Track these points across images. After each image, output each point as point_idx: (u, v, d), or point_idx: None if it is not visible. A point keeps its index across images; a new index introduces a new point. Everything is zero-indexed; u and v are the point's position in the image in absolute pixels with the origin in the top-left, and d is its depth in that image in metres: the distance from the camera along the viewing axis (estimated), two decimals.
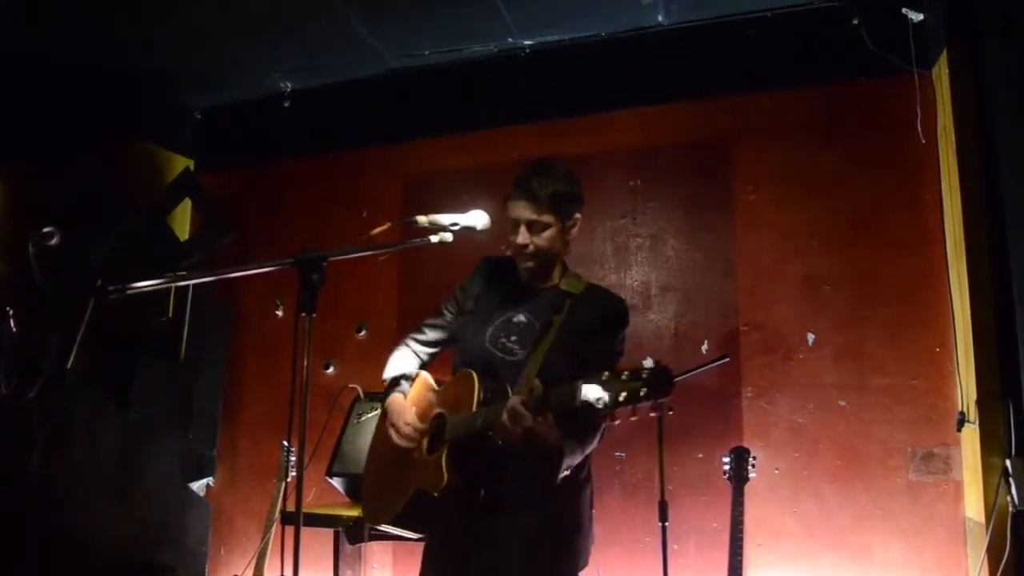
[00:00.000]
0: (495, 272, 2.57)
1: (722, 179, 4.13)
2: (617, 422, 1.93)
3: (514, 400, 2.08)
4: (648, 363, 1.85)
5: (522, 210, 2.36)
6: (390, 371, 2.61)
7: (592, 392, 1.86)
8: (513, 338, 2.39)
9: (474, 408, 2.24)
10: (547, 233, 2.38)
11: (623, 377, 1.82)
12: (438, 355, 2.66)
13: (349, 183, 4.93)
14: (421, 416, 2.46)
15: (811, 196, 3.95)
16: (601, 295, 2.48)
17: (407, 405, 2.50)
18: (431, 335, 2.63)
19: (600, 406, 1.84)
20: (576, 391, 1.91)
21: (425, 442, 2.38)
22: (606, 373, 1.85)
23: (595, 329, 2.35)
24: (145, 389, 4.35)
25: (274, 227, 5.04)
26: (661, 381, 1.80)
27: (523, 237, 2.37)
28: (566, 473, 2.19)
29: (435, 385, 2.54)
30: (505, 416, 2.07)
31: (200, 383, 4.70)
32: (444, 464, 2.21)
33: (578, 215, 2.45)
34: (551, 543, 2.30)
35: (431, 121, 4.76)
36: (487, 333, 2.42)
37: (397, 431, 2.43)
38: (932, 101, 3.72)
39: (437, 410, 2.41)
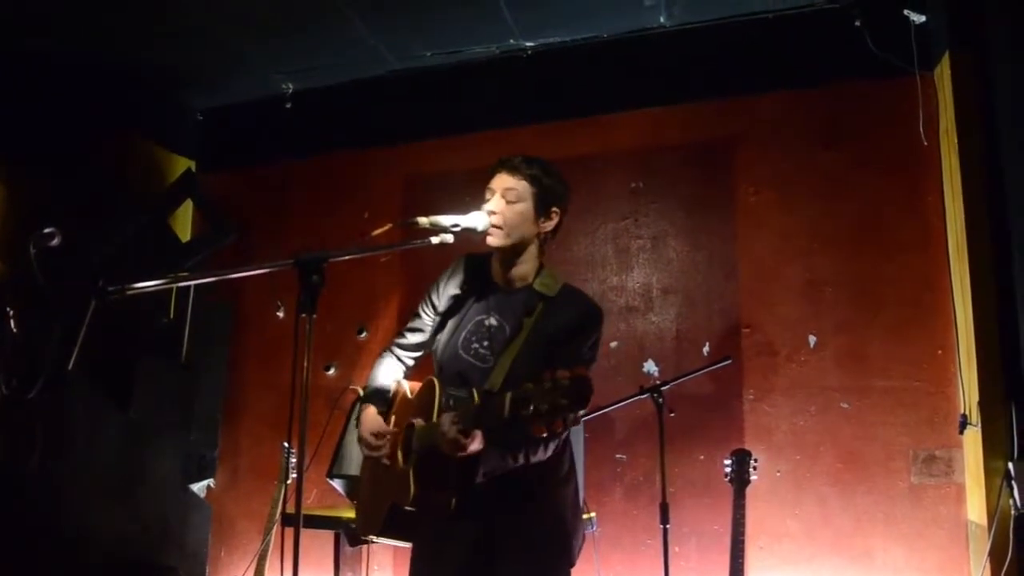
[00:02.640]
0: (470, 271, 2.51)
1: (724, 181, 4.13)
2: (545, 434, 1.93)
3: (446, 420, 2.11)
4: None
5: (498, 179, 2.37)
6: (369, 380, 2.60)
7: (519, 404, 1.87)
8: (484, 343, 2.36)
9: (434, 418, 2.22)
10: (519, 206, 2.33)
11: (546, 387, 1.82)
12: (422, 357, 2.64)
13: (350, 184, 4.93)
14: (398, 425, 2.44)
15: (813, 198, 3.94)
16: (574, 298, 2.41)
17: (375, 415, 2.48)
18: (412, 339, 2.60)
19: (527, 416, 1.84)
20: (504, 403, 1.93)
21: (400, 454, 2.36)
22: (530, 384, 1.85)
23: (565, 334, 2.30)
24: (146, 390, 4.34)
25: (275, 228, 5.03)
26: (580, 391, 1.79)
27: (494, 204, 2.34)
28: (481, 480, 2.17)
29: (410, 394, 2.52)
30: (436, 436, 2.13)
31: (201, 384, 4.69)
32: (411, 477, 2.21)
33: (555, 210, 2.39)
34: (533, 546, 2.29)
35: (432, 122, 4.75)
36: (460, 338, 2.40)
37: (366, 443, 2.42)
38: (934, 103, 3.72)
39: (410, 420, 2.39)
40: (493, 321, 2.39)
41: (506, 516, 2.27)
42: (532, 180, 2.35)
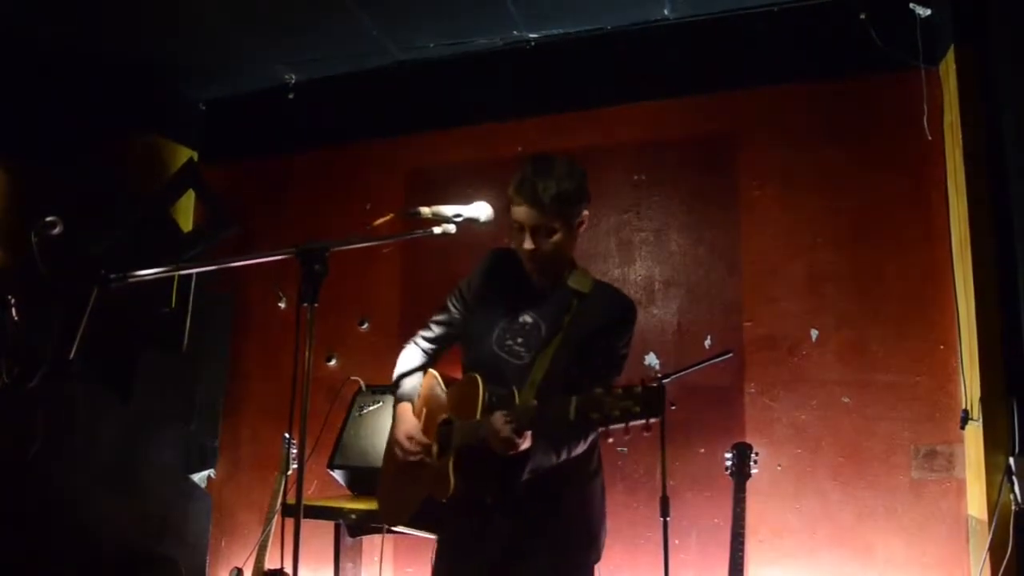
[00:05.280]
0: (502, 267, 2.48)
1: (727, 174, 4.12)
2: (611, 439, 1.93)
3: (498, 418, 2.09)
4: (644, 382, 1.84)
5: (525, 215, 2.25)
6: (397, 371, 2.59)
7: (586, 408, 1.87)
8: (519, 340, 2.35)
9: (478, 414, 2.21)
10: (555, 238, 2.27)
11: (617, 393, 1.81)
12: (446, 350, 2.64)
13: (353, 175, 4.92)
14: (430, 417, 2.45)
15: (816, 192, 3.93)
16: (609, 294, 2.41)
17: (411, 416, 2.47)
18: (438, 331, 2.59)
19: (595, 421, 1.84)
20: (569, 407, 1.91)
21: (435, 447, 2.36)
22: (600, 389, 1.85)
23: (601, 331, 2.30)
24: (147, 380, 4.35)
25: (277, 219, 5.03)
26: (654, 400, 1.79)
27: (528, 243, 2.27)
28: (528, 477, 2.17)
29: (443, 385, 2.51)
30: (485, 433, 2.12)
31: (202, 374, 4.70)
32: (451, 472, 2.21)
33: (585, 213, 2.36)
34: (563, 539, 2.30)
35: (435, 113, 4.74)
36: (494, 335, 2.38)
37: (400, 446, 2.42)
38: (939, 97, 3.71)
39: (445, 415, 2.39)
40: (528, 319, 2.37)
41: (537, 510, 2.27)
42: (559, 208, 2.25)
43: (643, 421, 1.81)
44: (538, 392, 2.20)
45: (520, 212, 2.26)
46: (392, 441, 2.49)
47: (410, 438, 2.40)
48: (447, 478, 2.20)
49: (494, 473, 2.21)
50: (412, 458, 2.39)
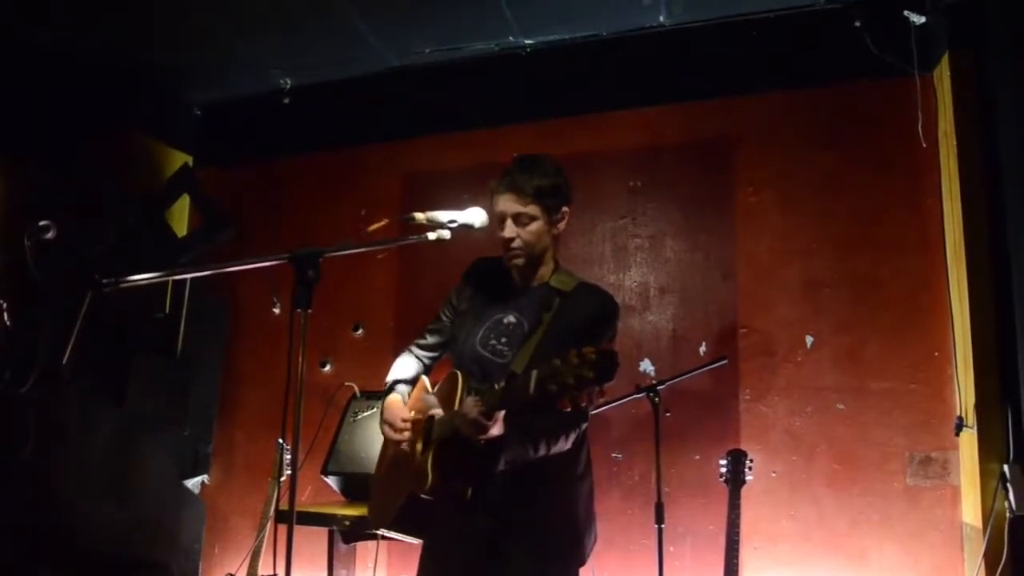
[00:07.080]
0: (486, 272, 2.56)
1: (722, 180, 4.12)
2: (570, 409, 1.92)
3: (468, 402, 2.11)
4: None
5: (506, 203, 2.36)
6: (389, 376, 2.62)
7: (544, 380, 1.86)
8: (503, 340, 2.39)
9: (456, 407, 2.23)
10: (533, 226, 2.36)
11: (573, 362, 1.81)
12: (440, 359, 2.67)
13: (348, 180, 4.92)
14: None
15: (811, 198, 3.94)
16: (591, 292, 2.45)
17: (400, 404, 2.50)
18: (431, 340, 2.64)
19: (553, 391, 1.83)
20: (530, 381, 1.92)
21: (419, 445, 2.37)
22: (557, 360, 1.84)
23: (583, 327, 2.32)
24: (141, 385, 4.33)
25: (272, 224, 5.01)
26: (607, 365, 1.78)
27: (509, 231, 2.36)
28: (503, 468, 2.17)
29: (430, 388, 2.54)
30: (458, 420, 2.13)
31: (196, 379, 4.68)
32: (429, 465, 2.22)
33: (565, 209, 2.44)
34: (544, 541, 2.29)
35: (431, 119, 4.74)
36: (478, 335, 2.42)
37: (392, 427, 2.44)
38: (933, 104, 3.71)
39: (430, 412, 2.41)
40: (511, 318, 2.41)
41: (519, 511, 2.27)
42: (538, 197, 2.36)
43: (598, 387, 1.81)
44: None
45: (501, 201, 2.37)
46: (381, 425, 2.50)
47: (403, 419, 2.42)
48: (425, 472, 2.22)
49: (470, 464, 2.21)
50: (401, 436, 2.39)
